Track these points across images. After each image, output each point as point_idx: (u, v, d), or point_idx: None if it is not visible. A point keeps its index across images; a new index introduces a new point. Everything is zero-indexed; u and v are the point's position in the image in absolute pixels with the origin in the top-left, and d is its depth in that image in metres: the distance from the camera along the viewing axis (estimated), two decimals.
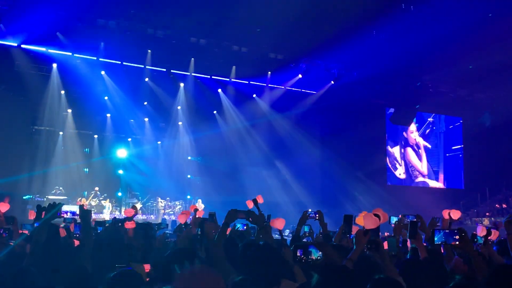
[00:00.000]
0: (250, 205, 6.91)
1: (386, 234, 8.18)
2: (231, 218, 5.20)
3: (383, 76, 24.29)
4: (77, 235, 6.35)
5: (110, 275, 3.54)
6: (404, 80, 25.26)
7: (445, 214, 6.36)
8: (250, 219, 6.04)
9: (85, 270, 4.18)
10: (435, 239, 4.01)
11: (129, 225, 6.58)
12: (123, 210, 21.37)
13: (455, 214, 6.29)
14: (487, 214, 27.78)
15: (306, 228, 7.25)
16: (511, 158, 28.83)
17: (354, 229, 6.75)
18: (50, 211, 4.87)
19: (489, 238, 5.48)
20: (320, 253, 3.88)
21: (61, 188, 22.52)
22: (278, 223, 5.13)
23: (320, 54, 23.12)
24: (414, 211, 6.59)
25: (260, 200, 6.90)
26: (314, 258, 3.85)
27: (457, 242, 3.91)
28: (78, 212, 6.05)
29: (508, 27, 20.46)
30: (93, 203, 22.00)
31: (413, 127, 30.26)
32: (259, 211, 6.48)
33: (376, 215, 4.42)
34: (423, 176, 30.29)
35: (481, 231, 5.42)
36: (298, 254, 3.83)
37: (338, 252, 4.50)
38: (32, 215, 6.04)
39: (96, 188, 23.14)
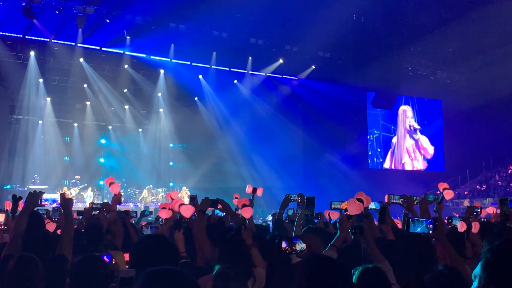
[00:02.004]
0: (249, 189, 7.04)
1: None
2: (205, 206, 5.36)
3: (364, 60, 24.29)
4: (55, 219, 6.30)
5: (74, 260, 3.52)
6: (385, 64, 25.28)
7: (441, 187, 6.29)
8: (220, 207, 6.16)
9: (65, 259, 4.13)
10: (414, 228, 3.92)
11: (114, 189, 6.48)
12: (105, 200, 21.19)
13: (448, 195, 6.26)
14: (465, 192, 28.23)
15: (290, 213, 7.27)
16: (491, 140, 29.20)
17: (334, 214, 6.78)
18: (30, 199, 4.80)
19: (472, 231, 5.28)
20: (304, 244, 3.85)
21: (36, 175, 22.27)
22: (245, 212, 5.14)
23: (301, 38, 23.02)
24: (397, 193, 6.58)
25: (259, 193, 7.03)
26: (298, 249, 3.80)
27: (431, 232, 3.82)
28: (59, 201, 5.97)
29: (487, 10, 20.58)
30: (73, 192, 21.75)
31: (409, 112, 30.54)
32: (252, 199, 6.61)
33: (359, 199, 4.35)
34: (410, 158, 30.53)
35: (461, 227, 5.22)
36: (284, 246, 3.78)
37: (321, 237, 4.49)
38: (8, 206, 5.94)
39: (77, 177, 22.92)
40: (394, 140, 30.20)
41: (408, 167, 30.44)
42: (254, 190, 7.05)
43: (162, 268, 2.39)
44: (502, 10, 20.67)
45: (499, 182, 28.97)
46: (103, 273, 3.44)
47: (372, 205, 6.09)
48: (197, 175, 24.91)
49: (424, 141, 30.97)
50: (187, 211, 5.39)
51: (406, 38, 22.93)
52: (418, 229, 3.89)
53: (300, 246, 3.78)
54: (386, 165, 29.91)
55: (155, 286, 2.32)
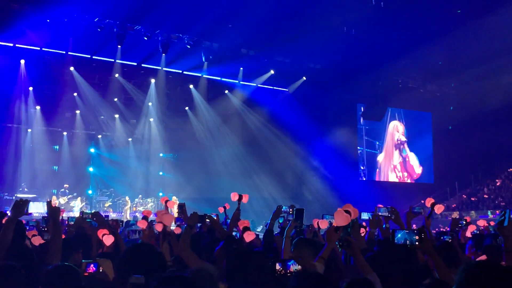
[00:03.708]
0: (235, 197, 7.07)
1: None
2: (193, 221, 5.38)
3: (354, 72, 24.42)
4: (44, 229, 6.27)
5: (48, 268, 3.48)
6: (375, 76, 25.43)
7: (429, 202, 6.32)
8: (208, 221, 6.18)
9: None
10: (397, 238, 3.89)
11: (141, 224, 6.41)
12: (93, 210, 21.00)
13: (439, 209, 6.32)
14: (453, 206, 28.35)
15: (280, 220, 7.27)
16: (480, 153, 29.36)
17: (323, 224, 6.80)
18: (16, 208, 4.71)
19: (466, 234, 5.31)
20: (299, 266, 3.80)
21: (23, 184, 22.14)
22: (248, 237, 5.18)
23: (292, 50, 23.10)
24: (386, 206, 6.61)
25: (245, 200, 7.08)
26: (292, 270, 3.76)
27: (417, 243, 3.80)
28: (46, 210, 5.92)
29: (477, 23, 20.77)
30: (62, 201, 21.55)
31: (400, 127, 30.64)
32: (238, 207, 6.66)
33: (346, 211, 4.36)
34: (398, 171, 30.57)
35: None
36: (278, 267, 3.74)
37: (312, 248, 4.47)
38: None
39: (66, 186, 22.74)
40: (381, 156, 30.15)
41: (397, 178, 30.49)
42: (240, 197, 7.08)
43: (175, 275, 2.42)
44: (492, 24, 20.86)
45: (488, 195, 29.11)
46: (76, 283, 3.40)
47: (365, 216, 6.14)
48: (187, 185, 24.79)
49: (413, 159, 31.00)
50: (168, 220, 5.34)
51: (396, 51, 23.06)
52: (407, 241, 3.87)
53: (295, 267, 3.75)
54: (377, 176, 29.94)
55: None
